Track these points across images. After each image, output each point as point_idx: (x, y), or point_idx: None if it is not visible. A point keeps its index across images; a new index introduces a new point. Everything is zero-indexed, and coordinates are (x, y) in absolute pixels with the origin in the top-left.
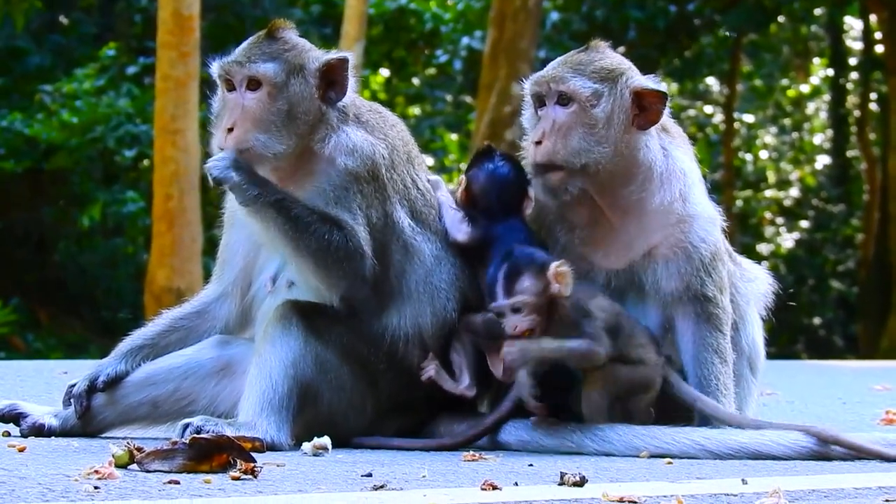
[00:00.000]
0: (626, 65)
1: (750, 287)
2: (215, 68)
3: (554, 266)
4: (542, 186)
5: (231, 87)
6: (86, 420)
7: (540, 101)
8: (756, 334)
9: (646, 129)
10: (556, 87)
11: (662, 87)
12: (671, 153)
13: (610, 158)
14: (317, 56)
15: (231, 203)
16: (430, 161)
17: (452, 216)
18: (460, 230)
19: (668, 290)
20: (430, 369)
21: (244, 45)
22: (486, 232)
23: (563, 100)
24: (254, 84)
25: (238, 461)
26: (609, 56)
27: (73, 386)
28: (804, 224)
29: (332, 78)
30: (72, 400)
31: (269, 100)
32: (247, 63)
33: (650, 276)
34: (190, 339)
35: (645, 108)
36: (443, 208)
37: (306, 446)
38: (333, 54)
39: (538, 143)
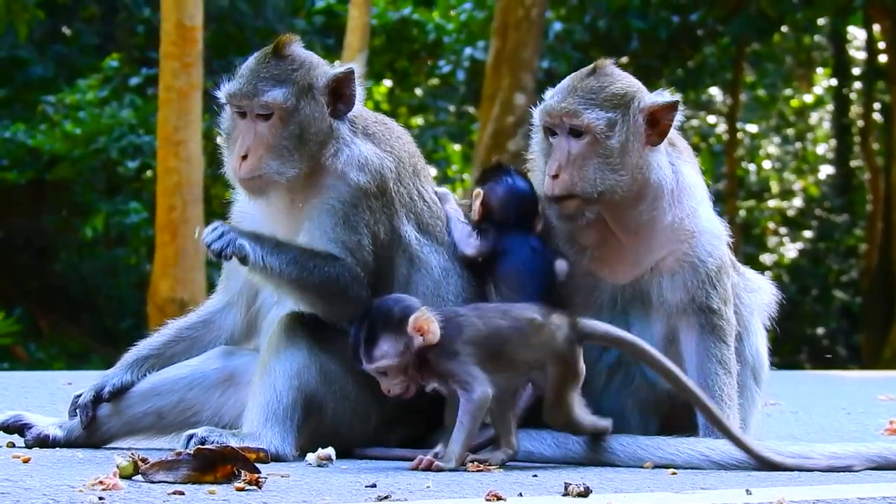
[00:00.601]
0: (636, 84)
1: (753, 297)
2: (223, 95)
3: (412, 319)
4: (559, 213)
5: (241, 114)
6: (91, 431)
7: (551, 130)
8: (760, 344)
9: (658, 145)
10: (569, 121)
11: (672, 97)
12: (679, 169)
13: (627, 185)
14: (324, 72)
15: (236, 213)
16: (433, 172)
17: (461, 230)
18: (469, 244)
19: (674, 302)
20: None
21: (251, 65)
22: (496, 245)
23: (576, 131)
24: (265, 111)
25: (242, 472)
26: (618, 78)
27: (79, 396)
28: (807, 234)
29: (339, 91)
30: (77, 410)
31: (280, 125)
32: (255, 95)
33: (656, 288)
34: (195, 350)
35: (657, 123)
36: (451, 222)
37: (310, 457)
38: (339, 68)
39: (554, 176)
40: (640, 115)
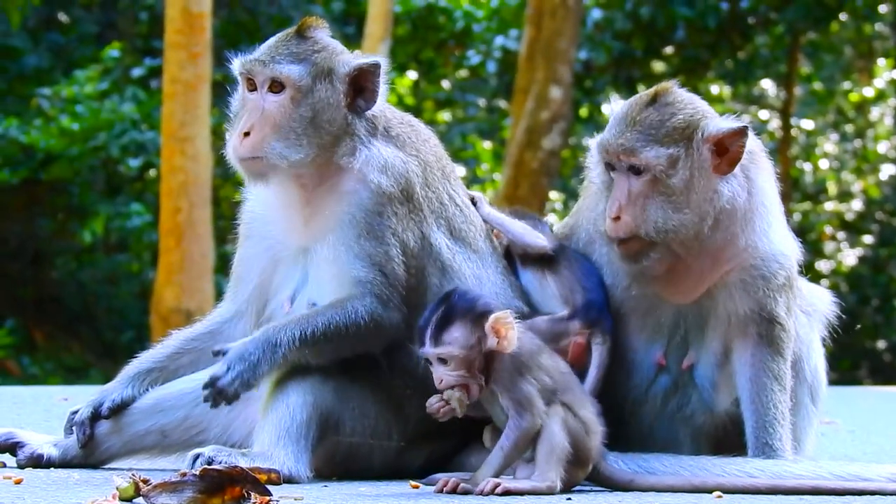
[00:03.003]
0: (700, 111)
1: (813, 312)
2: (237, 65)
3: (494, 317)
4: (621, 255)
5: (252, 87)
6: (88, 450)
7: (610, 165)
8: (819, 363)
9: (728, 174)
10: (627, 159)
11: (741, 122)
12: (754, 180)
13: (693, 224)
14: (347, 60)
15: (246, 214)
16: (461, 171)
17: (521, 226)
18: (539, 237)
19: (737, 314)
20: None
21: (271, 42)
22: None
23: (636, 169)
24: (277, 86)
25: (253, 494)
26: (680, 107)
27: (76, 413)
28: (867, 239)
29: (362, 84)
30: (74, 428)
31: (291, 104)
32: (271, 63)
33: (720, 302)
34: (201, 363)
35: (725, 151)
36: (505, 223)
37: None
38: (365, 59)
39: (616, 218)
40: (704, 146)
